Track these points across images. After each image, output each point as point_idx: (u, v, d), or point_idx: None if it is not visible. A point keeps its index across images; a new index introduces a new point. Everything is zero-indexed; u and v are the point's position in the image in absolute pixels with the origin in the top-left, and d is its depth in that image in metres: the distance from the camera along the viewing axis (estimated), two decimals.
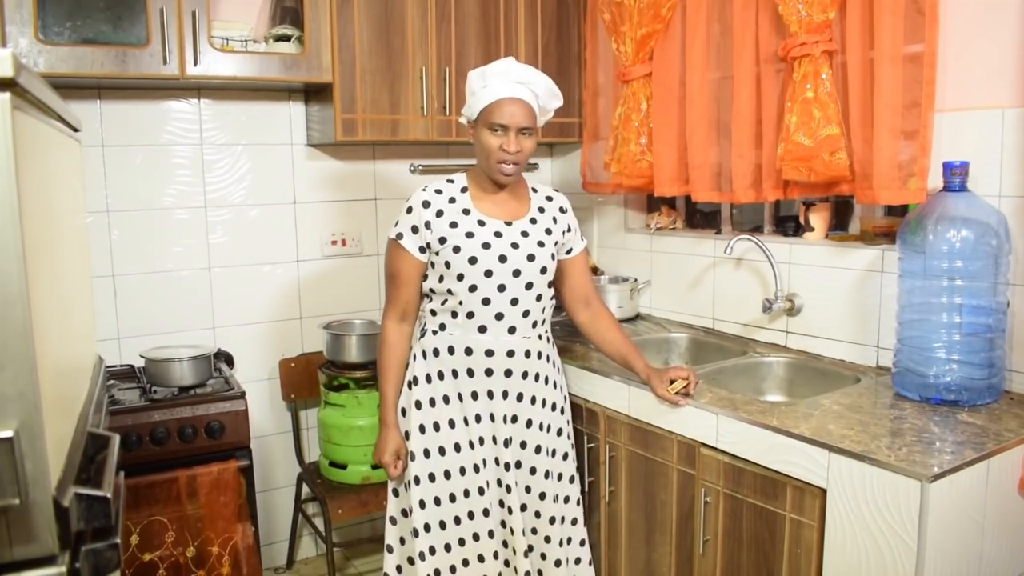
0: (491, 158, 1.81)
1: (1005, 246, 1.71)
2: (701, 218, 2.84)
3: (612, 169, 2.71)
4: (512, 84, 1.79)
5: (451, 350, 1.86)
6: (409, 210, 1.87)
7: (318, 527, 2.81)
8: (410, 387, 1.91)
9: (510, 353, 1.85)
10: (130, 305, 2.55)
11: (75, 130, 1.52)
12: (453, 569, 1.90)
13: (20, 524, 0.86)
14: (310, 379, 2.79)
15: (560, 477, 1.96)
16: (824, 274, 2.18)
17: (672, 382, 1.86)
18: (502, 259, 1.82)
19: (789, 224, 2.39)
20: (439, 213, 1.84)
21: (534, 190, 1.97)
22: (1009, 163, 1.78)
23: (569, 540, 2.00)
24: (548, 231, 1.91)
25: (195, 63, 2.26)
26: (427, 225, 1.83)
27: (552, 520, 1.93)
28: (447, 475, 1.87)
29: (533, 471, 1.91)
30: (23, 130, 0.90)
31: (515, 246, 1.84)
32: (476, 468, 1.88)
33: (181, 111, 2.57)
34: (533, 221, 1.90)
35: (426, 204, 1.85)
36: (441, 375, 1.88)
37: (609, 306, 2.65)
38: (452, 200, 1.87)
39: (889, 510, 1.43)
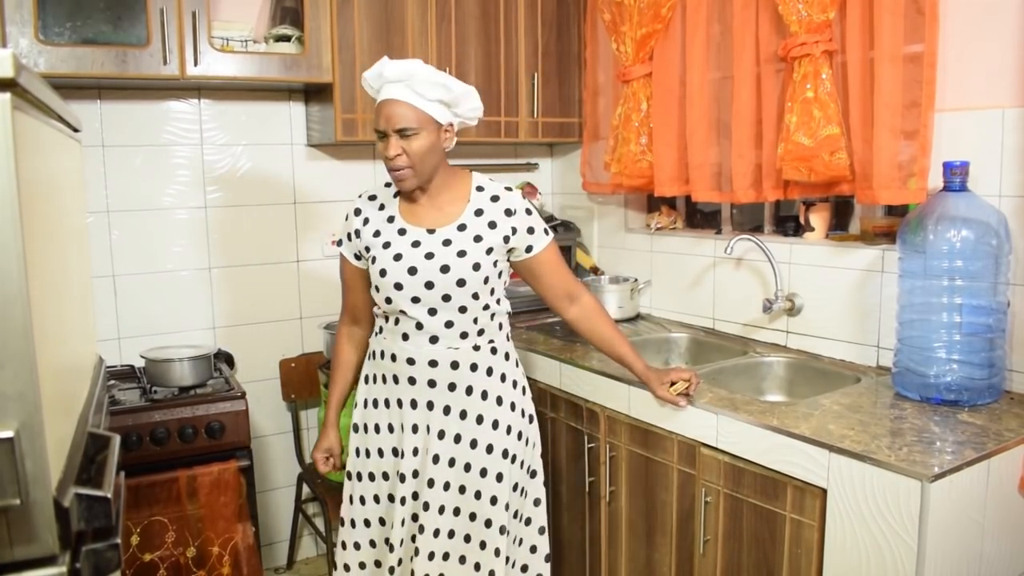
0: (386, 167, 1.71)
1: (1005, 246, 1.71)
2: (701, 218, 2.84)
3: (612, 169, 2.71)
4: (389, 85, 1.65)
5: (382, 355, 1.81)
6: (347, 217, 1.86)
7: (318, 527, 2.81)
8: (358, 385, 1.93)
9: (432, 363, 1.74)
10: (130, 305, 2.55)
11: (75, 130, 1.52)
12: (362, 565, 1.90)
13: (20, 524, 0.86)
14: (310, 379, 2.79)
15: (491, 501, 1.78)
16: (824, 274, 2.18)
17: (673, 383, 1.85)
18: (412, 271, 1.70)
19: (789, 224, 2.39)
20: (366, 221, 1.81)
21: (480, 188, 1.79)
22: (1009, 163, 1.78)
23: None
24: (478, 238, 1.73)
25: (195, 63, 2.26)
26: (356, 233, 1.82)
27: (483, 544, 1.78)
28: (371, 477, 1.86)
29: (463, 490, 1.78)
30: (23, 130, 0.90)
31: (430, 256, 1.71)
32: (386, 476, 1.83)
33: (181, 111, 2.57)
34: (462, 228, 1.74)
35: (357, 212, 1.83)
36: (375, 378, 1.85)
37: (609, 306, 2.67)
38: (382, 207, 1.82)
39: (889, 510, 1.43)
